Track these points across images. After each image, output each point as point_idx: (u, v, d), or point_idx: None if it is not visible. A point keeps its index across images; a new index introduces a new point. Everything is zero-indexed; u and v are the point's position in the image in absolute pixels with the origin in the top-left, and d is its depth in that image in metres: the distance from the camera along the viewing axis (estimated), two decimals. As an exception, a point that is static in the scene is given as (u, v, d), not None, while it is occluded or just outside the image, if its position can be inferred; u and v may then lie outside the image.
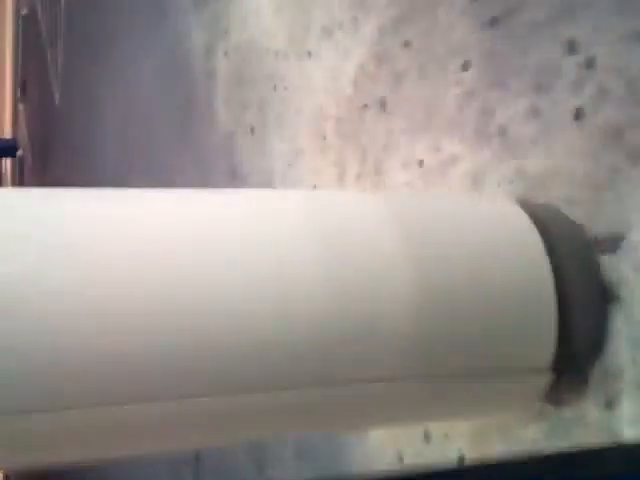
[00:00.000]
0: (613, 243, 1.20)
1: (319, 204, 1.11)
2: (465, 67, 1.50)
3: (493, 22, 1.41)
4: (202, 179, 3.02)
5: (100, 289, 0.92)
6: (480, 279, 1.07)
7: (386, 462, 1.70)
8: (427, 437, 1.57)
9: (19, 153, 8.63)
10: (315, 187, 2.15)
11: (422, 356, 1.04)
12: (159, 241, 0.97)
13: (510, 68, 1.39)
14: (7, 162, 9.51)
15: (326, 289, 1.01)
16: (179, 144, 3.25)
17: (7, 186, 9.94)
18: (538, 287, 1.13)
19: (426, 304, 1.03)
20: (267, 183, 2.51)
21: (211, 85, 2.82)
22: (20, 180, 8.87)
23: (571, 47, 1.28)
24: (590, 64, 1.24)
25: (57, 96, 6.20)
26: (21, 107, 8.49)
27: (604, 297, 1.19)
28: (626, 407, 1.16)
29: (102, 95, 4.65)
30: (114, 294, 0.92)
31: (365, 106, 1.87)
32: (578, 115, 1.27)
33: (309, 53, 2.11)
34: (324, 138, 2.10)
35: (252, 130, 2.54)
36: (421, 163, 1.67)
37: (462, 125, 1.52)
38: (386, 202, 1.10)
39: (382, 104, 1.80)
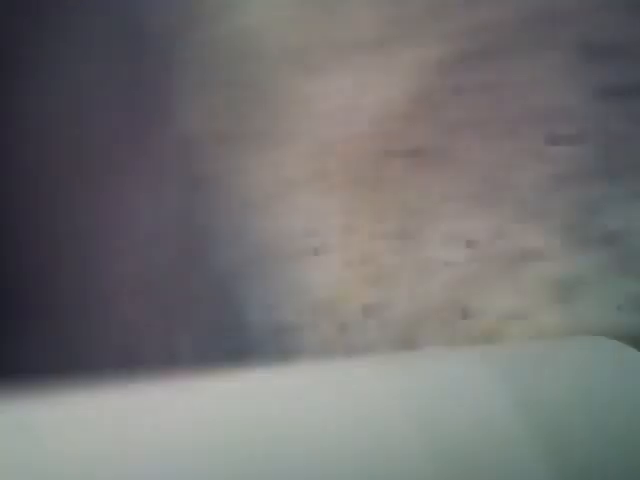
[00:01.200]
0: None
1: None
2: (555, 141, 1.14)
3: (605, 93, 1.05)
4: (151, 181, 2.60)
5: None
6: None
7: None
8: None
9: None
10: (314, 234, 1.77)
11: None
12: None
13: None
14: None
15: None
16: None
17: None
18: None
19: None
20: (241, 202, 2.11)
21: (176, 70, 2.39)
22: None
23: None
24: None
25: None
26: None
27: None
28: None
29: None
30: None
31: (391, 152, 1.50)
32: None
33: (315, 66, 1.72)
34: (325, 177, 1.72)
35: (219, 138, 2.14)
36: (470, 243, 1.32)
37: (548, 213, 1.17)
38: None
39: (416, 155, 1.43)
